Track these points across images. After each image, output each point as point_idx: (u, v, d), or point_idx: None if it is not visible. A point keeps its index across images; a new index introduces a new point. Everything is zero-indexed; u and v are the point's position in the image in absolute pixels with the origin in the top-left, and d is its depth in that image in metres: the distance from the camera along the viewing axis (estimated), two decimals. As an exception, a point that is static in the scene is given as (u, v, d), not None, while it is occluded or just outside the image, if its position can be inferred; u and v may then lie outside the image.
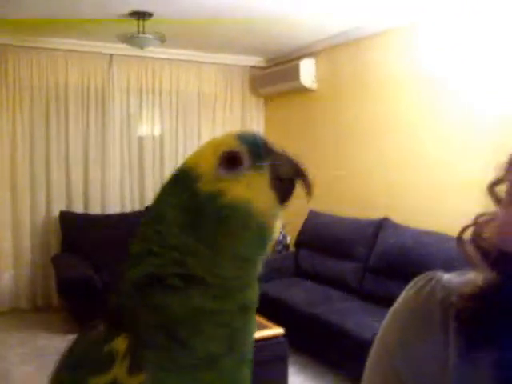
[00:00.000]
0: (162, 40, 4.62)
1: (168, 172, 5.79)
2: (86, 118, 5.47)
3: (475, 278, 0.66)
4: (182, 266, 0.64)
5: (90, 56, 5.38)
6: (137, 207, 5.68)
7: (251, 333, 0.69)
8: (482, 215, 0.68)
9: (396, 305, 0.75)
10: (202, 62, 5.87)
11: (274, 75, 5.71)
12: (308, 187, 0.74)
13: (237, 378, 0.67)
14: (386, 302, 4.00)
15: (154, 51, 5.41)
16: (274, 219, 0.71)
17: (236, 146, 0.70)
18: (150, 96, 5.75)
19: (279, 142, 0.76)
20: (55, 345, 4.16)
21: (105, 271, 4.53)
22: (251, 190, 0.68)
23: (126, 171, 5.68)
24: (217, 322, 0.64)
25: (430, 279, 0.72)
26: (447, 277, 0.72)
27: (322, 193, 5.13)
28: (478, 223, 0.68)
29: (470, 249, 0.67)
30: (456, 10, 3.90)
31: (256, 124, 6.20)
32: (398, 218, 4.31)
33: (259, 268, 0.71)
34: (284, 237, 5.42)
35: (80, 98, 5.42)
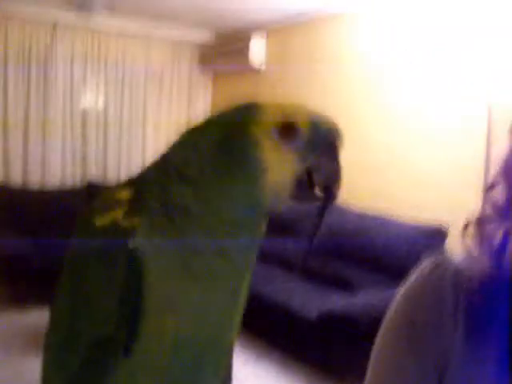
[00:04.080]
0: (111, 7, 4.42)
1: (112, 145, 5.61)
2: (27, 86, 5.23)
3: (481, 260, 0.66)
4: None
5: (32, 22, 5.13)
6: (78, 183, 5.50)
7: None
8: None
9: (403, 291, 0.70)
10: (149, 37, 5.71)
11: (223, 54, 5.61)
12: (324, 209, 0.77)
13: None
14: (329, 281, 4.01)
15: (102, 23, 5.24)
16: (273, 203, 0.73)
17: (302, 124, 0.71)
18: (96, 68, 5.55)
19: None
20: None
21: (43, 249, 4.34)
22: (280, 165, 0.70)
23: (68, 144, 5.48)
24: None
25: (438, 266, 0.68)
26: (455, 260, 0.69)
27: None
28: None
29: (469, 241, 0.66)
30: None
31: (203, 101, 6.12)
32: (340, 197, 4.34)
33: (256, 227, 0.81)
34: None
35: (21, 66, 5.18)
